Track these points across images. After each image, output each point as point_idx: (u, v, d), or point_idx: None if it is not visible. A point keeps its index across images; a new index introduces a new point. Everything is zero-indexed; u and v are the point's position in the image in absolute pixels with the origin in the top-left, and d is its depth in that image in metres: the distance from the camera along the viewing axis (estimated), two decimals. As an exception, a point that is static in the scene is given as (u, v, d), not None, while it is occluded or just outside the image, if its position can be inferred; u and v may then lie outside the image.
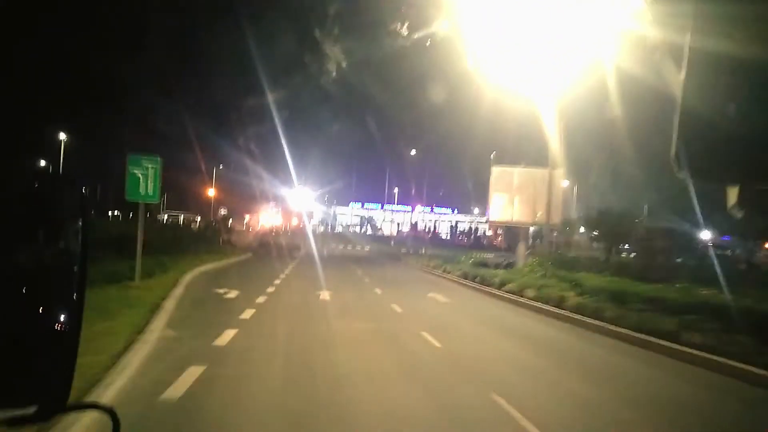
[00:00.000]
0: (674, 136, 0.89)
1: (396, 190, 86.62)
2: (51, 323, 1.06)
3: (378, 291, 16.93)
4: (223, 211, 37.83)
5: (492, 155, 23.12)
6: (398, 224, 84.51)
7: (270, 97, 35.63)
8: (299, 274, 21.97)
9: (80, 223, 1.11)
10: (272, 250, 42.41)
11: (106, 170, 37.24)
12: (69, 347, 1.07)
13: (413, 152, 48.80)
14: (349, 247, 62.03)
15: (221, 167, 55.44)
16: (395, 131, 64.19)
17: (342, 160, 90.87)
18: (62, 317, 1.07)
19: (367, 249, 60.72)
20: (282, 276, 20.09)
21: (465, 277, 21.54)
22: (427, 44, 16.66)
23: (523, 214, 22.33)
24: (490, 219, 23.81)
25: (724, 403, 6.94)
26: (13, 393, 1.01)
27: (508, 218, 23.08)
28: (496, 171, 22.92)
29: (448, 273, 24.22)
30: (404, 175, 78.66)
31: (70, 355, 1.07)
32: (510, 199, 22.69)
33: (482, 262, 27.84)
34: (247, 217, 66.51)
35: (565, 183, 25.93)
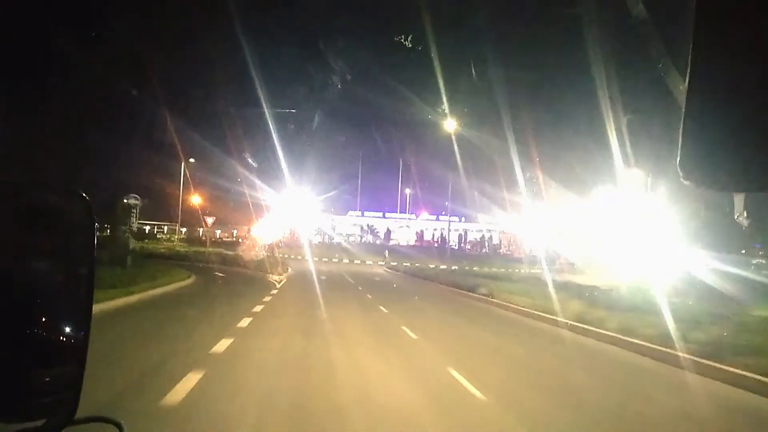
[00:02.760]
0: (679, 142, 0.86)
1: (408, 191, 72.11)
2: (58, 336, 1.04)
3: None
4: (132, 201, 21.59)
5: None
6: (441, 232, 70.54)
7: (261, 93, 25.60)
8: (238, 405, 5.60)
9: (88, 236, 1.10)
10: (243, 269, 27.85)
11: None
12: (77, 360, 1.04)
13: (453, 125, 31.35)
14: (357, 262, 46.55)
15: (192, 161, 46.55)
16: (403, 134, 53.62)
17: (342, 166, 75.65)
18: (70, 330, 1.05)
19: (382, 264, 44.70)
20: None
21: None
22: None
23: None
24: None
25: None
26: (21, 406, 0.99)
27: None
28: None
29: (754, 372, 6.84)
30: (411, 181, 66.77)
31: (78, 368, 1.04)
32: None
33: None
34: (210, 219, 54.64)
35: None
